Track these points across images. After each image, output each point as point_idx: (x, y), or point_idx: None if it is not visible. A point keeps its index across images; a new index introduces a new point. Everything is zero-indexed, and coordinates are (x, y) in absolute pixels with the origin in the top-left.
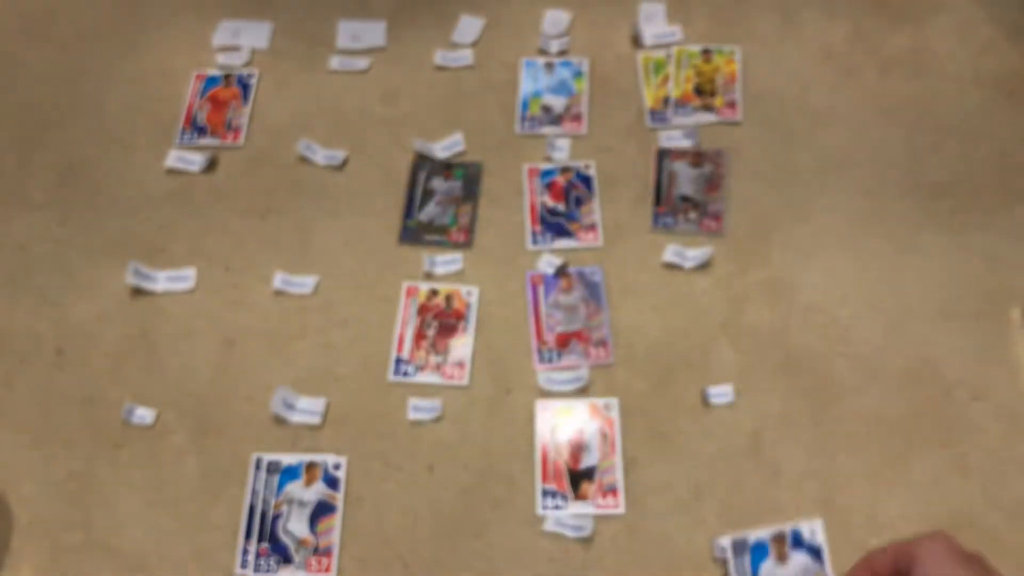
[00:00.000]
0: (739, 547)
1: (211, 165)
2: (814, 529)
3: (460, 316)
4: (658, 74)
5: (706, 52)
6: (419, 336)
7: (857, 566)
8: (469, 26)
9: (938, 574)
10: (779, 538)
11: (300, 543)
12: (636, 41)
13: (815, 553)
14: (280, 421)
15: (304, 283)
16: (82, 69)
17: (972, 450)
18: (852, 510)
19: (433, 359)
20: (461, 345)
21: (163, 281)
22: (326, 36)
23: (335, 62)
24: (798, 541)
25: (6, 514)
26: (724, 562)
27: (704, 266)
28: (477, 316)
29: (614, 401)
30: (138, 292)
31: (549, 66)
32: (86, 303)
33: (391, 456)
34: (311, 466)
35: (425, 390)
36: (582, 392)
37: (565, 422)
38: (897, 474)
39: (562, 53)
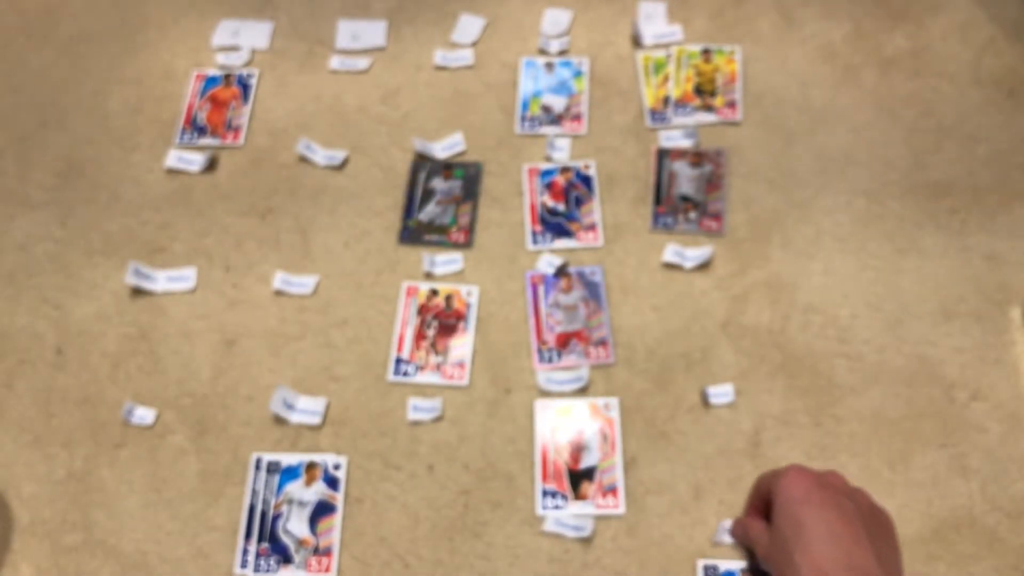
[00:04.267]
0: (710, 572)
1: (211, 165)
2: None
3: (460, 316)
4: (658, 74)
5: (706, 52)
6: (419, 336)
7: (752, 487)
8: (469, 26)
9: (793, 495)
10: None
11: (300, 543)
12: (636, 41)
13: None
14: (280, 421)
15: (304, 283)
16: (82, 69)
17: (972, 450)
18: None
19: (433, 359)
20: (461, 345)
21: (163, 281)
22: (326, 36)
23: (335, 62)
24: None
25: (6, 514)
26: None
27: (704, 266)
28: (477, 316)
29: (614, 401)
30: (138, 292)
31: (549, 66)
32: (86, 303)
33: (391, 456)
34: (311, 466)
35: (425, 390)
36: (582, 392)
37: (565, 422)
38: (897, 474)
39: (562, 53)
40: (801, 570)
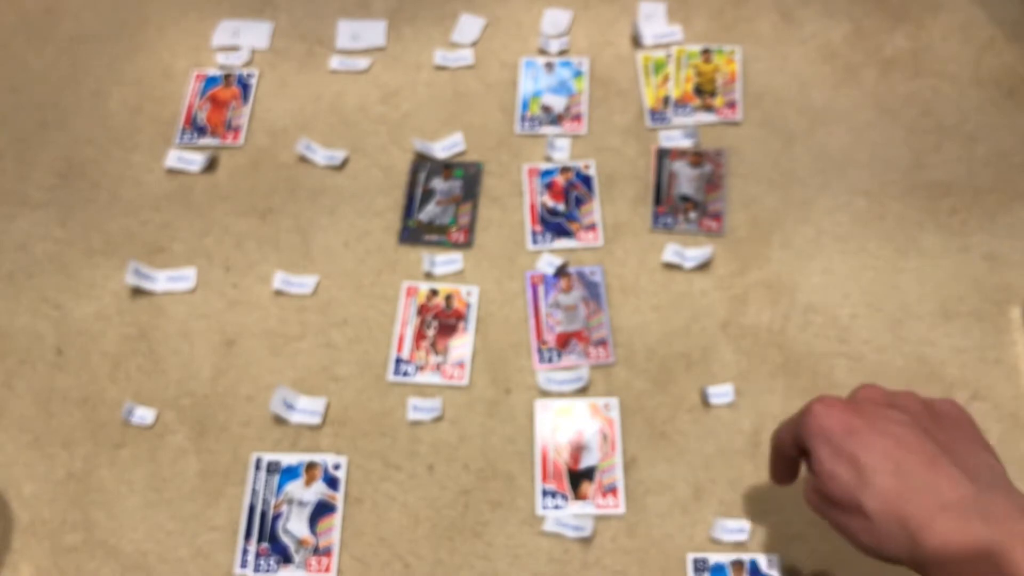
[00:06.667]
0: (699, 565)
1: (211, 165)
2: (772, 561)
3: (460, 316)
4: (658, 74)
5: (706, 52)
6: (419, 336)
7: (771, 449)
8: (469, 26)
9: (832, 429)
10: (738, 565)
11: (300, 543)
12: (636, 41)
13: None
14: (280, 421)
15: (304, 283)
16: (82, 69)
17: None
18: None
19: (433, 359)
20: (461, 345)
21: (163, 281)
22: (326, 36)
23: (335, 62)
24: (755, 570)
25: (6, 514)
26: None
27: (704, 266)
28: (477, 316)
29: (614, 401)
30: (138, 292)
31: (549, 66)
32: (86, 303)
33: (391, 456)
34: (311, 466)
35: (425, 390)
36: (582, 392)
37: (565, 422)
38: None
39: (562, 53)
40: (877, 520)
